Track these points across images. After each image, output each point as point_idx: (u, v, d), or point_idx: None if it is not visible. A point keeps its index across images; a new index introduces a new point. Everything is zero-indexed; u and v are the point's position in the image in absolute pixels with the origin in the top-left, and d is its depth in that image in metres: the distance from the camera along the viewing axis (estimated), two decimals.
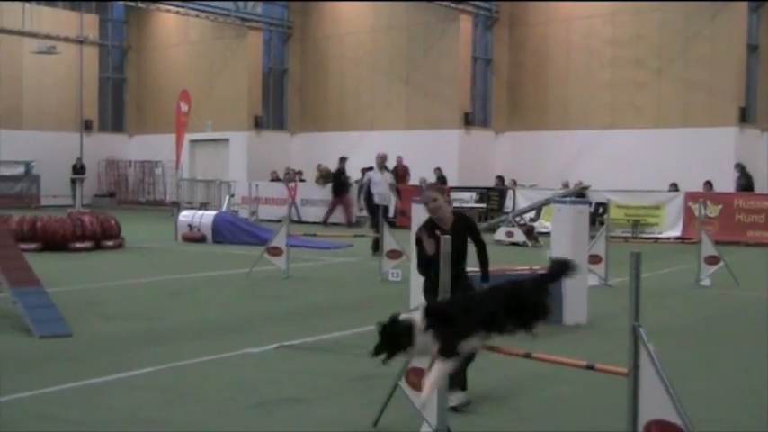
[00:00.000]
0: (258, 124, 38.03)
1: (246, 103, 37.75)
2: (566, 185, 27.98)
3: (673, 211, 24.88)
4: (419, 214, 9.35)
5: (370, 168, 20.41)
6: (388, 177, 19.89)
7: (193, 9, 36.79)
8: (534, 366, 6.89)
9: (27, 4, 36.53)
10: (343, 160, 29.25)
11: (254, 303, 12.83)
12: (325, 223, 28.59)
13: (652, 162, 29.03)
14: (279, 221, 18.50)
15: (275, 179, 33.45)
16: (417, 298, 7.64)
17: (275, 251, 15.36)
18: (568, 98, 32.51)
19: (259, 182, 32.10)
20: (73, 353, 8.96)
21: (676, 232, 24.46)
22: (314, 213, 30.04)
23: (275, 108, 39.92)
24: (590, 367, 5.29)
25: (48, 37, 36.86)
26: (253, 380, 7.99)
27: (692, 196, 24.31)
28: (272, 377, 8.14)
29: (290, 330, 10.31)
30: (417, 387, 5.90)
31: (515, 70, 34.50)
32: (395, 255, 15.07)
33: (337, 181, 29.43)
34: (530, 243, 22.03)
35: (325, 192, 30.25)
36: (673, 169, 27.65)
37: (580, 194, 24.60)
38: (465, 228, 7.37)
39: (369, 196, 19.70)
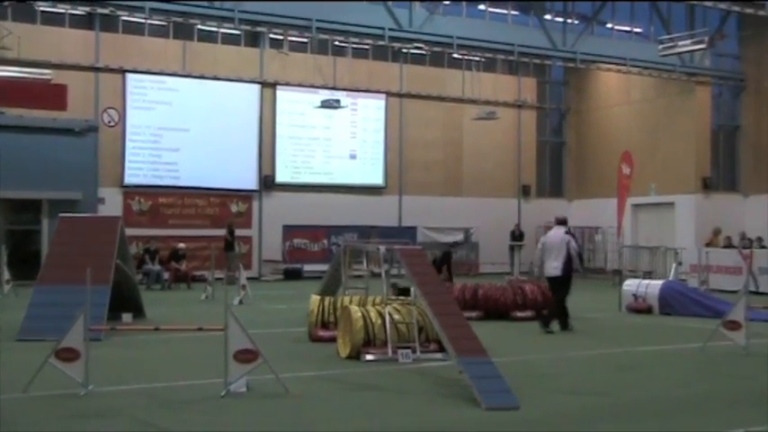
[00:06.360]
0: (707, 186, 35.09)
1: (694, 164, 35.05)
2: None
3: None
4: None
5: None
6: None
7: (636, 66, 34.87)
8: None
9: (467, 72, 36.84)
10: None
11: (711, 382, 11.83)
12: None
13: None
14: (732, 292, 16.81)
15: (727, 246, 30.21)
16: None
17: (733, 325, 13.69)
18: None
19: (709, 249, 29.07)
20: (521, 426, 8.80)
21: None
22: None
23: (725, 168, 36.76)
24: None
25: (487, 102, 36.87)
26: None
27: None
28: None
29: (755, 415, 9.33)
30: None
31: None
32: None
33: None
34: None
35: None
36: None
37: None
38: None
39: None
